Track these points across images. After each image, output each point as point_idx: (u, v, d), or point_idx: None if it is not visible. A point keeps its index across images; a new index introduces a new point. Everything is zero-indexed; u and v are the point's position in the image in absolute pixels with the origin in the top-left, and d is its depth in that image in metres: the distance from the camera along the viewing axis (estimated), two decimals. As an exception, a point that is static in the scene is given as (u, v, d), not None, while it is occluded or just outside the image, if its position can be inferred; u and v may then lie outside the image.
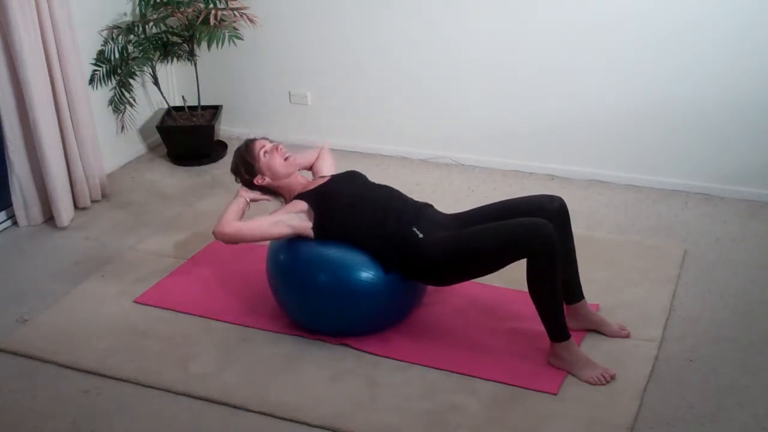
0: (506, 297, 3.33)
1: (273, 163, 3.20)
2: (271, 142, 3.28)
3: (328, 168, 3.44)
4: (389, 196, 3.16)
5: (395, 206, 3.08)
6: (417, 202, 3.18)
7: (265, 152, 3.21)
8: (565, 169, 4.43)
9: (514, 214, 2.97)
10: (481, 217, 3.06)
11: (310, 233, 3.06)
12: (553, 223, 2.89)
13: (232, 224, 3.09)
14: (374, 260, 3.00)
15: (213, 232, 3.11)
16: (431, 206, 3.20)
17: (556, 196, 3.08)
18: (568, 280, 3.08)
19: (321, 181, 3.23)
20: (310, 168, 3.49)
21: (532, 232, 2.80)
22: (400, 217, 3.03)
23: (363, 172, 3.35)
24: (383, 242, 3.00)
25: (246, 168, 3.23)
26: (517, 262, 2.88)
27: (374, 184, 3.27)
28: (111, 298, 3.47)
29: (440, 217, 3.13)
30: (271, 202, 3.34)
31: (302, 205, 3.09)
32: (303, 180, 3.28)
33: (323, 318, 3.12)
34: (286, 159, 3.23)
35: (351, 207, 3.06)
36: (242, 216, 3.18)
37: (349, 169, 3.35)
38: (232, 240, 3.10)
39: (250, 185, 3.25)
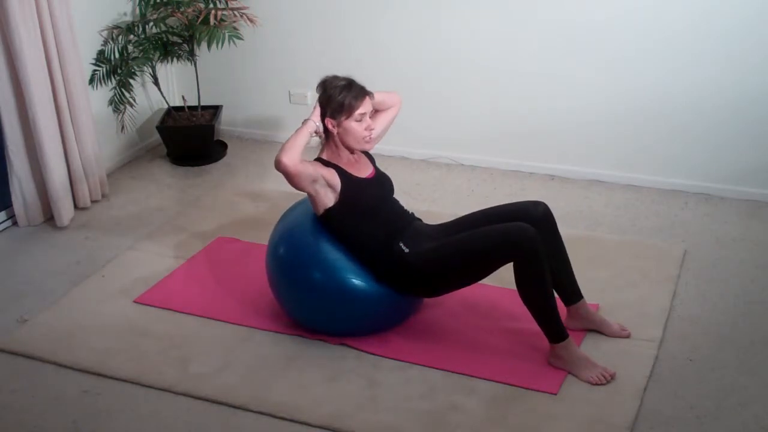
0: (506, 297, 3.33)
1: (355, 131, 3.02)
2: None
3: (382, 125, 3.25)
4: (391, 210, 3.15)
5: (392, 220, 3.09)
6: (407, 214, 3.18)
7: (361, 117, 3.03)
8: (565, 169, 4.43)
9: (499, 221, 2.98)
10: (465, 226, 3.07)
11: (319, 211, 3.04)
12: (540, 228, 2.91)
13: (298, 164, 2.93)
14: (366, 271, 3.02)
15: (277, 159, 2.93)
16: (419, 220, 3.20)
17: (540, 202, 3.09)
18: (564, 282, 3.09)
19: (365, 172, 3.14)
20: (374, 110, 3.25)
21: (514, 236, 2.82)
22: (391, 231, 3.03)
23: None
24: (372, 255, 3.01)
25: (336, 107, 3.01)
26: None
27: (391, 197, 3.21)
28: (111, 298, 3.47)
29: (426, 229, 3.13)
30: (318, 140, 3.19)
31: (338, 182, 3.02)
32: (353, 158, 3.13)
33: (323, 318, 3.12)
34: (364, 138, 3.06)
35: (371, 213, 3.05)
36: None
37: (385, 173, 3.27)
38: (287, 174, 2.93)
39: (321, 116, 3.06)
